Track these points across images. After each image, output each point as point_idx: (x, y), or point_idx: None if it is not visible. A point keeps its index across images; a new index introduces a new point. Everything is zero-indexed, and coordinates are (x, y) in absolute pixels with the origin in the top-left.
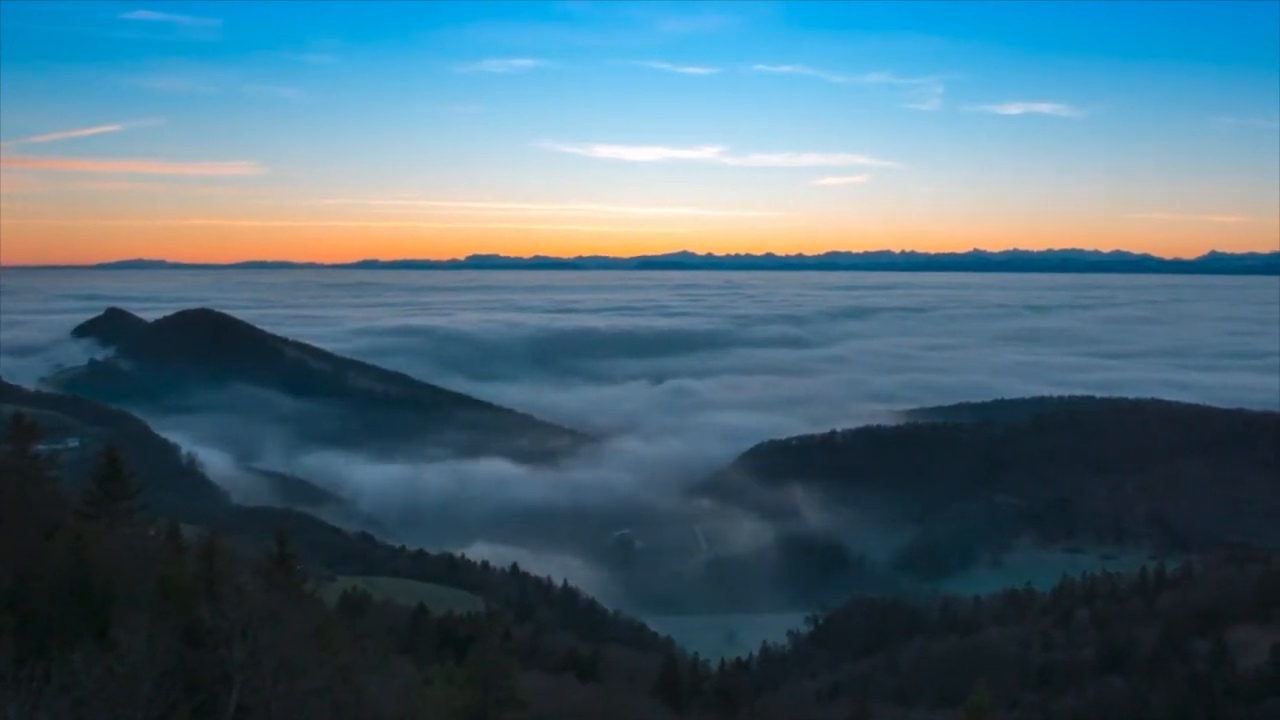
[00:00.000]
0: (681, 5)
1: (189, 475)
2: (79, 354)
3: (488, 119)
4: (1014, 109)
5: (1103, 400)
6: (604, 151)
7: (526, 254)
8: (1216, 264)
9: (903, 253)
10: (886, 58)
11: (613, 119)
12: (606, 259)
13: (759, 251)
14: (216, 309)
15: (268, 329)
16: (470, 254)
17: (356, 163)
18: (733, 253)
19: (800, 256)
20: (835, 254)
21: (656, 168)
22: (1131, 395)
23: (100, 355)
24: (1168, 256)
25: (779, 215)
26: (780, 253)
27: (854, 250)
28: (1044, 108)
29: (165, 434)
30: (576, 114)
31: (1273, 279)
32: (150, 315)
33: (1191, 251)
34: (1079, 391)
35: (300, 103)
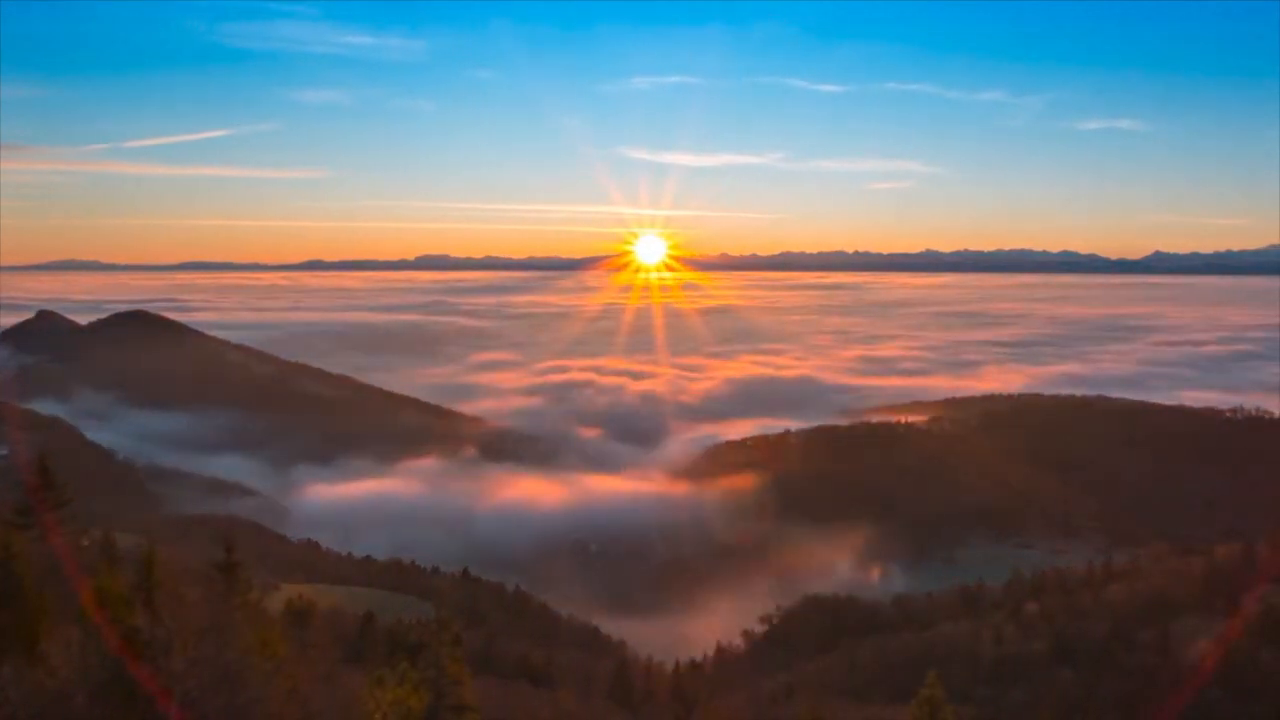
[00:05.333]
0: (831, 29)
1: (124, 483)
2: (5, 358)
3: (591, 131)
4: (1093, 125)
5: (1050, 398)
6: (670, 158)
7: (478, 254)
8: (1161, 264)
9: (856, 253)
10: (1000, 77)
11: (708, 129)
12: (558, 260)
13: (714, 253)
14: (152, 310)
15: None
16: (420, 254)
17: (423, 168)
18: (696, 254)
19: (754, 257)
20: (788, 254)
21: (717, 172)
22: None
23: (30, 359)
24: (1113, 256)
25: (780, 217)
26: (735, 253)
27: (809, 251)
28: (1124, 123)
29: (99, 440)
30: (680, 125)
31: (1210, 278)
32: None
33: (1137, 252)
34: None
35: (428, 115)
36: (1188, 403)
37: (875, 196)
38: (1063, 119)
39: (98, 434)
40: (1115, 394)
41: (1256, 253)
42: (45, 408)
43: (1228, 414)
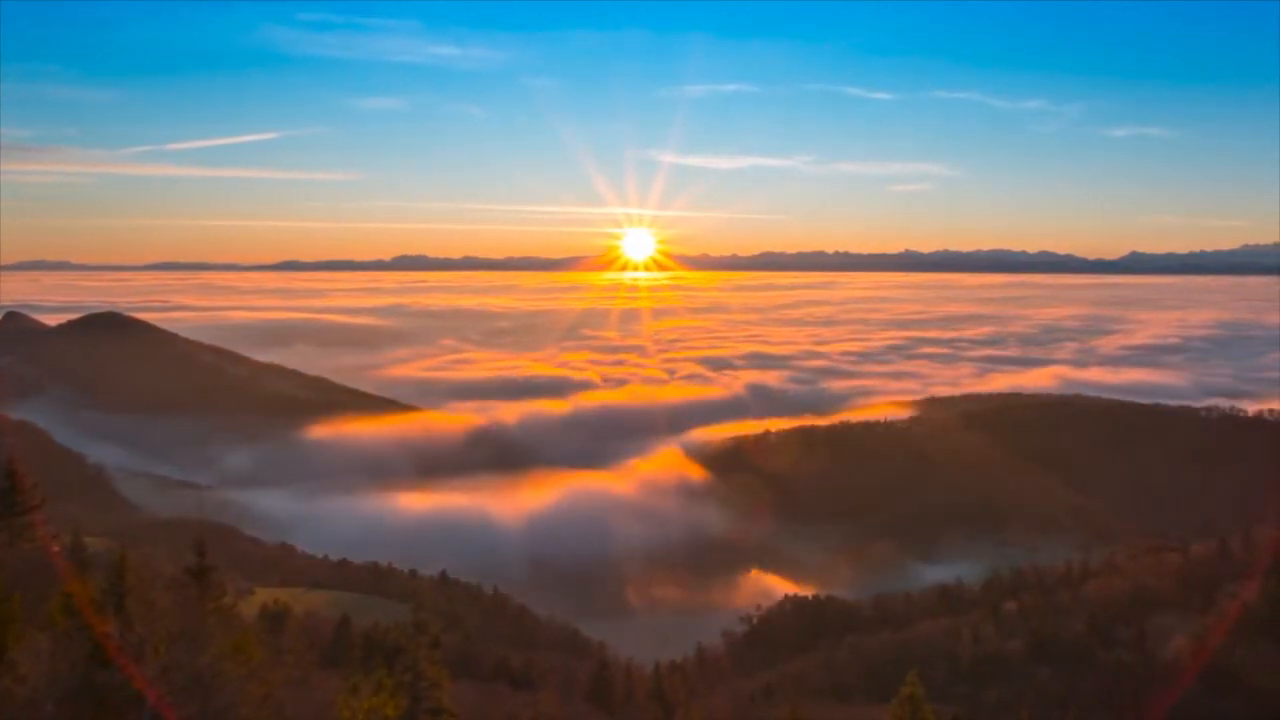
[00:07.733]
0: (893, 40)
1: (96, 487)
2: None
3: (626, 136)
4: (1122, 132)
5: (1029, 396)
6: (696, 161)
7: (456, 254)
8: (1137, 264)
9: (835, 253)
10: (1043, 86)
11: (742, 133)
12: (537, 259)
13: (695, 253)
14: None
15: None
16: (397, 255)
17: (446, 172)
18: (677, 252)
19: (734, 257)
20: (769, 254)
21: (738, 175)
22: None
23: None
24: (1090, 257)
25: (782, 218)
26: (715, 254)
27: (788, 251)
28: (1153, 130)
29: (69, 444)
30: (714, 130)
31: (1185, 278)
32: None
33: (1113, 252)
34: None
35: (474, 121)
36: (1163, 401)
37: (890, 199)
38: (1094, 126)
39: (67, 437)
40: (1091, 393)
41: (1230, 253)
42: (14, 410)
43: (1202, 412)
